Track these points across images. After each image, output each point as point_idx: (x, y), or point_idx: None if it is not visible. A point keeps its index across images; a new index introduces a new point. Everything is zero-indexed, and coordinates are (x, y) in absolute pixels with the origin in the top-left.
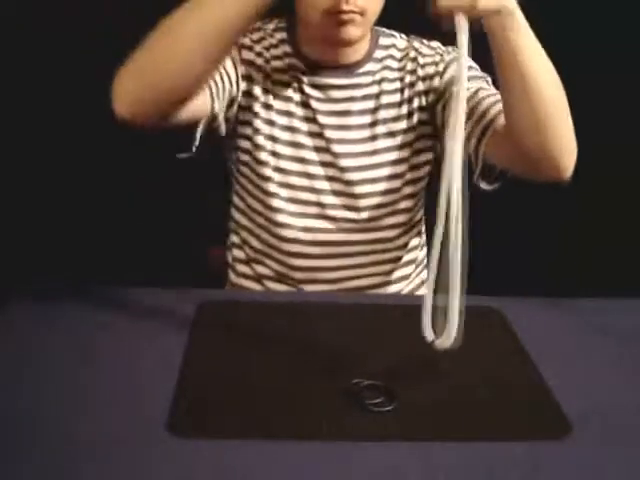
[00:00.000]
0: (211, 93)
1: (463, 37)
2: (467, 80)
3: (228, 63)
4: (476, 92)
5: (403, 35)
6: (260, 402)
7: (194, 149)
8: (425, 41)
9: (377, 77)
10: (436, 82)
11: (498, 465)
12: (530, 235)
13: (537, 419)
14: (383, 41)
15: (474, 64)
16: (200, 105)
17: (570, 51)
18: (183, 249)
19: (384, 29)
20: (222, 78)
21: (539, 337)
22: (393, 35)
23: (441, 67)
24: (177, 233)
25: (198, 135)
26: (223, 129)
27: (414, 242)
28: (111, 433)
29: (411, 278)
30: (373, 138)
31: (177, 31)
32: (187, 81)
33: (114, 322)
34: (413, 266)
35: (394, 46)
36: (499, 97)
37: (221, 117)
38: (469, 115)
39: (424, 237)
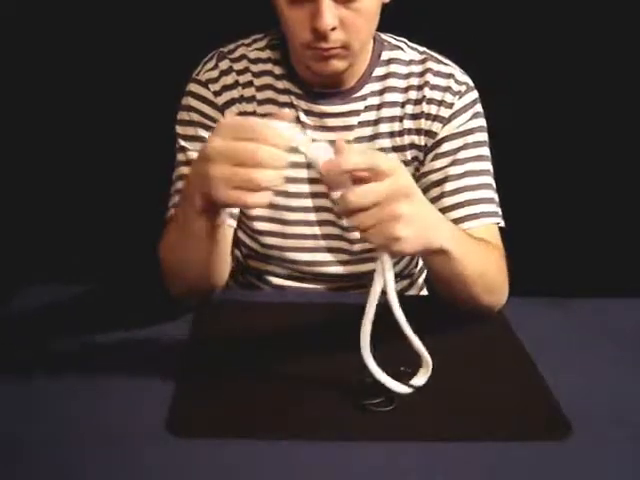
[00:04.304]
0: None
1: (388, 275)
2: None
3: None
4: (444, 179)
5: (415, 46)
6: (260, 402)
7: None
8: (442, 63)
9: (376, 101)
10: (435, 127)
11: (498, 465)
12: (529, 235)
13: (537, 419)
14: (386, 55)
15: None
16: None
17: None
18: None
19: (390, 38)
20: None
21: (539, 337)
22: (400, 47)
23: (446, 113)
24: None
25: None
26: None
27: (413, 261)
28: (111, 433)
29: (410, 291)
30: None
31: (174, 254)
32: (215, 266)
33: (114, 322)
34: (409, 280)
35: (399, 61)
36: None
37: None
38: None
39: None
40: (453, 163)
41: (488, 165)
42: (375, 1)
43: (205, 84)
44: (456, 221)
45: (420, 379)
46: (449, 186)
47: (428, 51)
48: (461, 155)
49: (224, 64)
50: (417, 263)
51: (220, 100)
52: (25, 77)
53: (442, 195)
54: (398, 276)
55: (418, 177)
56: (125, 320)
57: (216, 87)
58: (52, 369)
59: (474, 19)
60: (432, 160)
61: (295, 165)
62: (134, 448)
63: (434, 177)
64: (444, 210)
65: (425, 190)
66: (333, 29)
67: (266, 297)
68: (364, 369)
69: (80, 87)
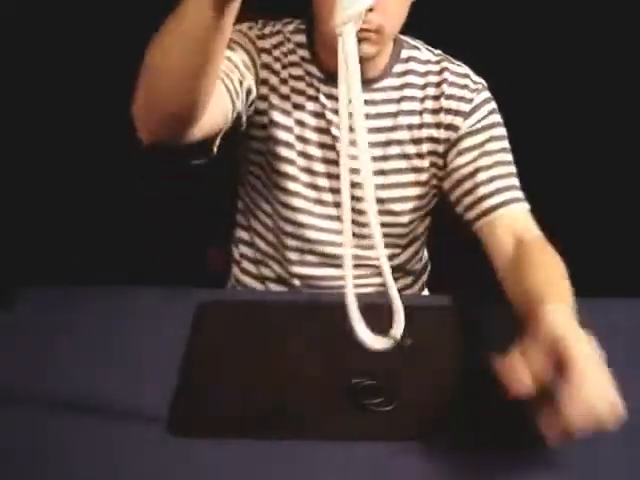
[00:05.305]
0: (230, 96)
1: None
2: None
3: (248, 64)
4: (476, 171)
5: (430, 48)
6: (260, 402)
7: (211, 155)
8: (456, 65)
9: (395, 95)
10: (457, 121)
11: (498, 465)
12: None
13: (537, 419)
14: (405, 54)
15: (499, 132)
16: (217, 116)
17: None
18: (183, 249)
19: (408, 39)
20: (241, 82)
21: None
22: (417, 47)
23: (467, 108)
24: (177, 232)
25: (218, 142)
26: (244, 127)
27: (417, 256)
28: (111, 433)
29: (412, 289)
30: (385, 158)
31: (160, 47)
32: (183, 97)
33: (114, 322)
34: (412, 277)
35: (417, 60)
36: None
37: (244, 118)
38: (464, 195)
39: (426, 252)
40: (482, 155)
41: (511, 157)
42: None
43: (250, 27)
44: (495, 208)
45: (396, 330)
46: (481, 176)
47: (442, 53)
48: (488, 147)
49: (267, 30)
50: (421, 258)
51: (260, 44)
52: (25, 77)
53: (476, 186)
54: (400, 272)
55: (448, 173)
56: (125, 320)
57: (258, 33)
58: (51, 370)
59: (473, 20)
60: (458, 155)
61: (319, 145)
62: (134, 448)
63: (465, 171)
64: (481, 199)
65: (458, 183)
66: (370, 10)
67: (266, 297)
68: (364, 369)
69: (81, 88)
